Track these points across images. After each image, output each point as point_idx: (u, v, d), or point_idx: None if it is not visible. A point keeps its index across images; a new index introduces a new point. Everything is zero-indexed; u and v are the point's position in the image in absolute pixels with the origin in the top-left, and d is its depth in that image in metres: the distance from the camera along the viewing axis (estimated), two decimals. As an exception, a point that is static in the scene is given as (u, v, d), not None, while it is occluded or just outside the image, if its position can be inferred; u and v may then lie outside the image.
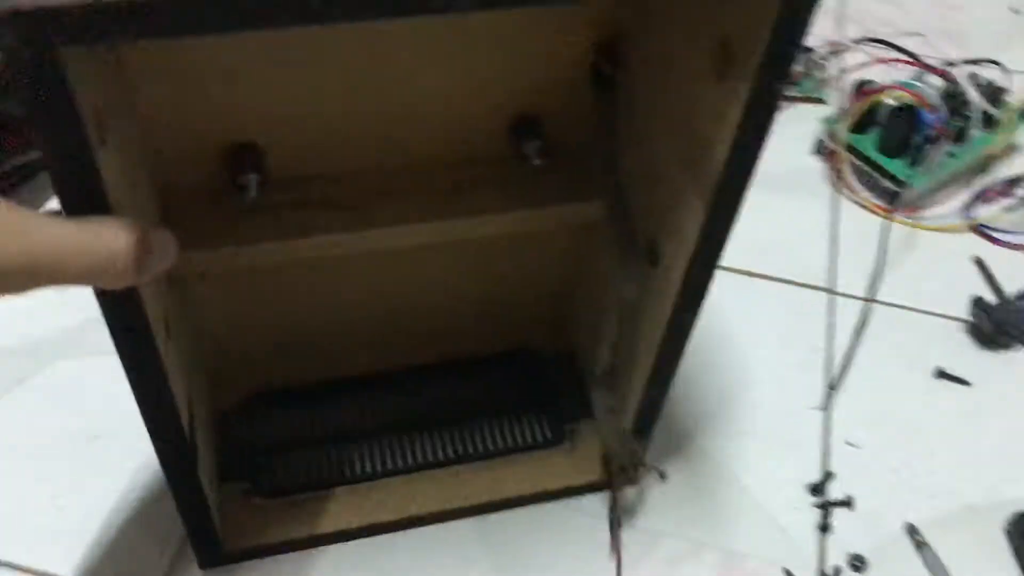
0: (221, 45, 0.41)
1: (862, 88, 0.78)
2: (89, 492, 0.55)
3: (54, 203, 0.37)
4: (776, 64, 0.35)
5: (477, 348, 0.61)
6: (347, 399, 0.58)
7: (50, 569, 0.52)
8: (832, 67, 0.86)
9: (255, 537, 0.52)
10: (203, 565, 0.52)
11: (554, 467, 0.57)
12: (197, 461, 0.45)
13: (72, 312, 0.63)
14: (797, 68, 0.87)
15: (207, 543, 0.50)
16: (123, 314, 0.35)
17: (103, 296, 0.34)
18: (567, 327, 0.62)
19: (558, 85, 0.47)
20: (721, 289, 0.70)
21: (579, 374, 0.61)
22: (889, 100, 0.76)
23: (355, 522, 0.53)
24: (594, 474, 0.57)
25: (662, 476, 0.57)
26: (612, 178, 0.47)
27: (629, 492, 0.58)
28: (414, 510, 0.54)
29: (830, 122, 0.79)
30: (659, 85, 0.43)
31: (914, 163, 0.75)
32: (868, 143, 0.77)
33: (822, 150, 0.80)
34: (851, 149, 0.77)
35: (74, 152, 0.29)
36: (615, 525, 0.54)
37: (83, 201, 0.31)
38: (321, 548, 0.54)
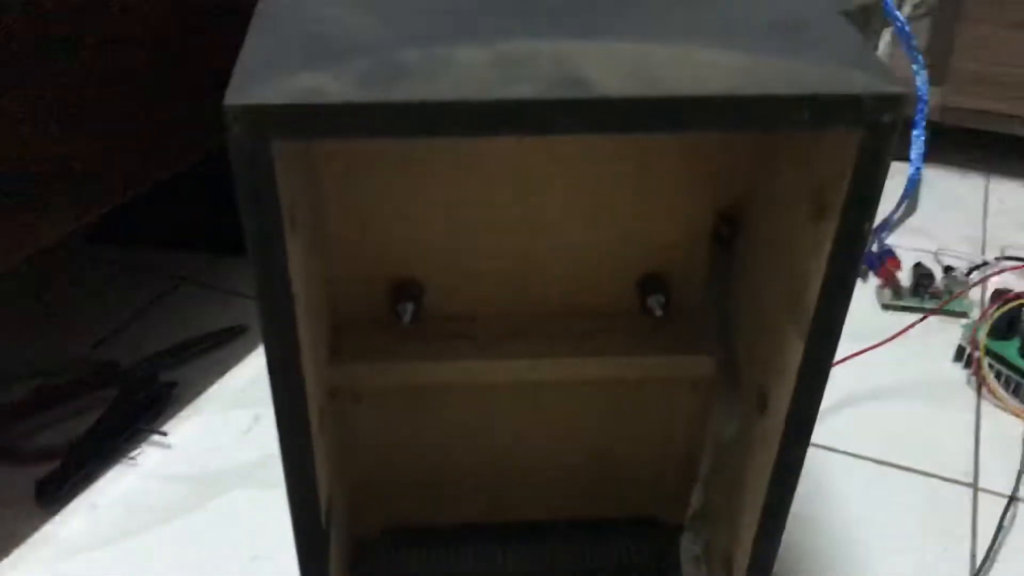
0: (402, 184, 0.50)
1: (1000, 296, 0.80)
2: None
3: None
4: (860, 204, 0.40)
5: (602, 511, 0.63)
6: (470, 545, 0.61)
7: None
8: (973, 281, 0.89)
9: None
10: None
11: None
12: (328, 551, 0.49)
13: (253, 448, 0.72)
14: (938, 285, 0.90)
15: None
16: (287, 393, 0.43)
17: (283, 384, 0.42)
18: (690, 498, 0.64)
19: (682, 245, 0.54)
20: (856, 474, 0.72)
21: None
22: (1029, 307, 0.78)
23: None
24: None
25: None
26: (724, 329, 0.52)
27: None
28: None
29: (969, 328, 0.81)
30: (768, 239, 0.49)
31: (1059, 368, 0.75)
32: (1011, 349, 0.78)
33: (964, 357, 0.82)
34: (994, 355, 0.78)
35: (269, 233, 0.38)
36: None
37: (272, 282, 0.39)
38: None
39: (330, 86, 0.34)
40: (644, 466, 0.62)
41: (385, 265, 0.52)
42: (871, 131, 0.36)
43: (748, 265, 0.52)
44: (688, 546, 0.49)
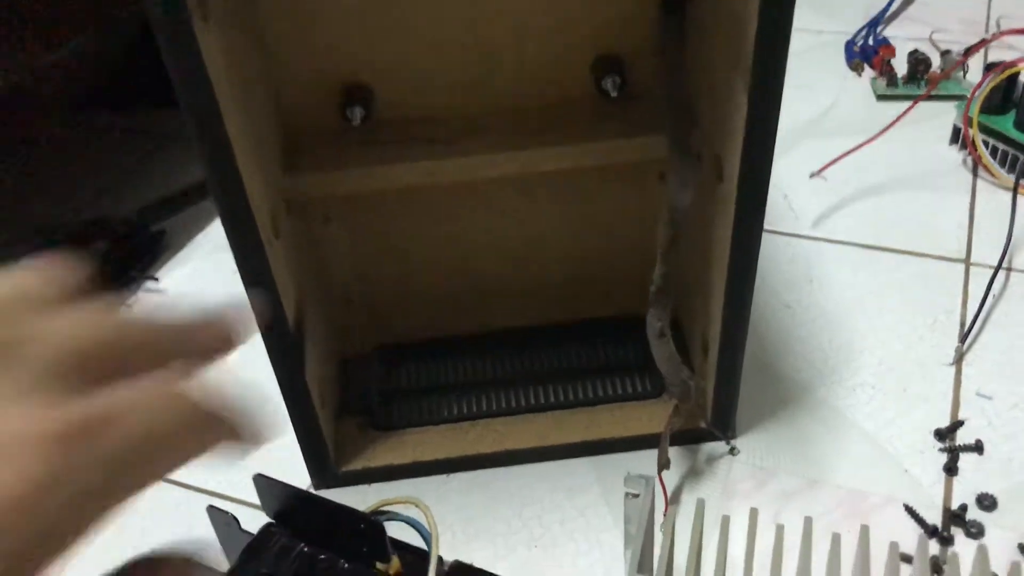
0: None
1: (993, 67, 0.77)
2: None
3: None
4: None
5: (586, 313, 0.64)
6: (456, 354, 0.62)
7: (191, 481, 0.58)
8: (968, 61, 0.86)
9: (364, 461, 0.56)
10: (316, 486, 0.56)
11: (652, 415, 0.58)
12: (303, 367, 0.50)
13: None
14: (935, 70, 0.87)
15: (318, 462, 0.55)
16: (230, 199, 0.43)
17: (218, 185, 0.42)
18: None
19: (633, 21, 0.51)
20: (849, 261, 0.71)
21: (679, 335, 0.62)
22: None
23: (456, 452, 0.56)
24: (693, 423, 0.58)
25: (733, 452, 0.57)
26: (678, 99, 0.50)
27: (746, 437, 0.58)
28: (511, 445, 0.57)
29: (963, 105, 0.78)
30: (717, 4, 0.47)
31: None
32: (1006, 122, 0.75)
33: (959, 138, 0.79)
34: (988, 131, 0.76)
35: (175, 19, 0.36)
36: (662, 455, 0.53)
37: (190, 80, 0.38)
38: (428, 478, 0.56)
39: None
40: (622, 263, 0.62)
41: (332, 67, 0.51)
42: None
43: (697, 28, 0.50)
44: (652, 322, 0.49)
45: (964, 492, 0.54)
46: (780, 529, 0.41)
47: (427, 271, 0.62)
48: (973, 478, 0.54)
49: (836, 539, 0.40)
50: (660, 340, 0.49)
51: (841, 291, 0.68)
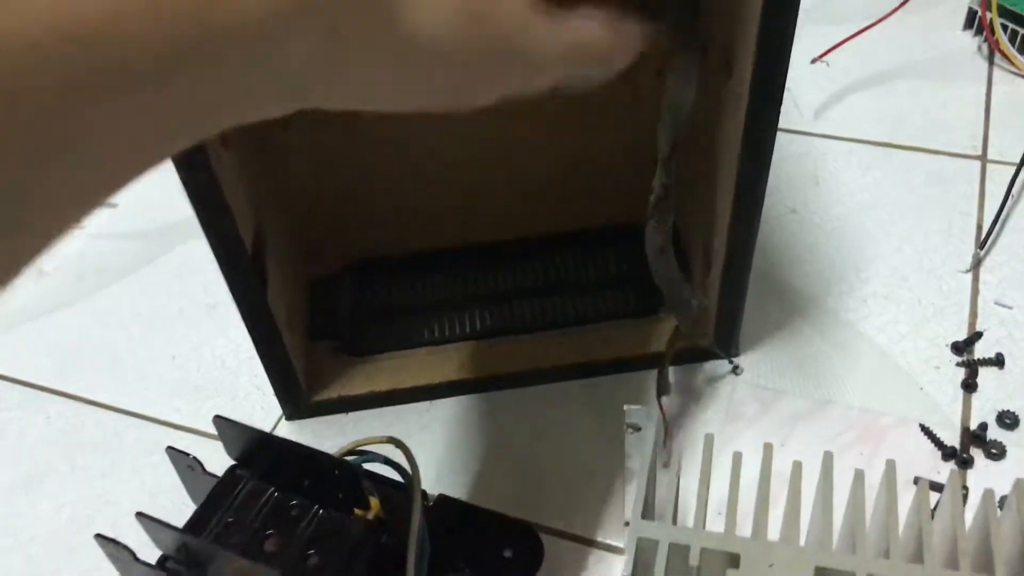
0: None
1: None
2: (205, 352, 0.58)
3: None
4: None
5: (577, 224, 0.59)
6: (437, 271, 0.57)
7: (171, 419, 0.54)
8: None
9: (339, 389, 0.52)
10: (288, 416, 0.52)
11: (648, 334, 0.54)
12: (266, 290, 0.45)
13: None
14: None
15: (289, 390, 0.51)
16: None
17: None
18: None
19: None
20: (857, 160, 0.66)
21: (679, 246, 0.57)
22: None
23: (437, 378, 0.52)
24: (694, 342, 0.53)
25: (736, 371, 0.53)
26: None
27: (749, 355, 0.54)
28: (497, 369, 0.53)
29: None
30: None
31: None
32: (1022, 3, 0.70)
33: (975, 22, 0.74)
34: (1008, 14, 0.70)
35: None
36: (662, 380, 0.49)
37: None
38: (408, 405, 0.53)
39: None
40: (614, 167, 0.56)
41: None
42: None
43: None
44: (652, 236, 0.44)
45: (984, 410, 0.50)
46: (797, 467, 0.37)
47: (398, 179, 0.56)
48: (993, 395, 0.51)
49: (859, 476, 0.36)
50: (661, 256, 0.44)
51: (850, 193, 0.63)
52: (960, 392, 0.51)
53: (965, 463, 0.48)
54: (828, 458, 0.37)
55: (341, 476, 0.39)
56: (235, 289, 0.44)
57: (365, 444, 0.40)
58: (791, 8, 0.37)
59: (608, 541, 0.46)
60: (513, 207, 0.57)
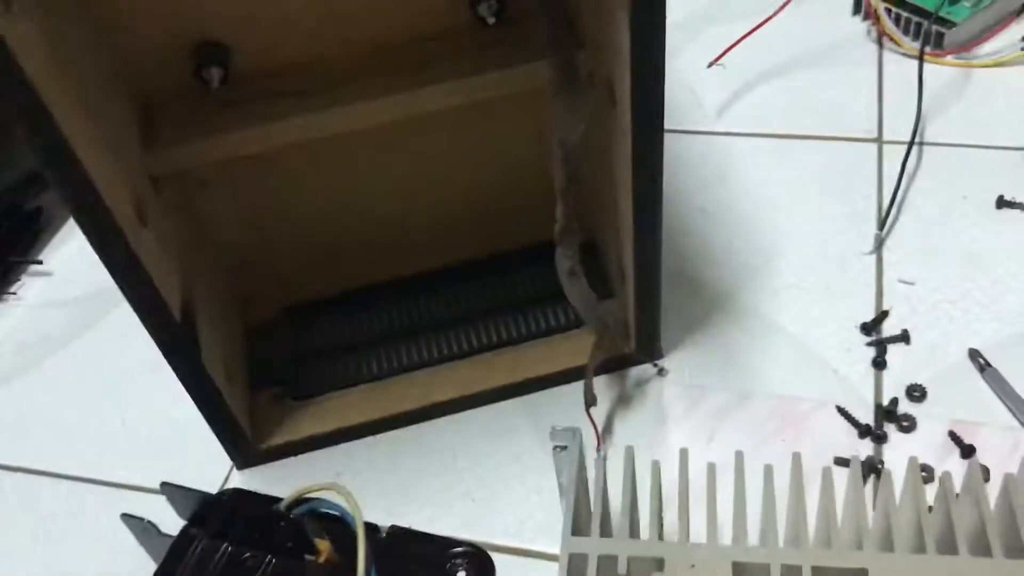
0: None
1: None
2: (155, 410, 0.59)
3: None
4: None
5: (496, 245, 0.61)
6: (370, 307, 0.59)
7: (127, 481, 0.56)
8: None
9: (285, 435, 0.54)
10: (239, 466, 0.54)
11: (577, 346, 0.55)
12: (199, 352, 0.47)
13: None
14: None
15: (236, 443, 0.52)
16: (79, 202, 0.38)
17: (61, 186, 0.38)
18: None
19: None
20: (760, 154, 0.69)
21: (599, 261, 0.59)
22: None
23: (380, 413, 0.54)
24: (618, 350, 0.56)
25: (661, 373, 0.56)
26: (560, 27, 0.46)
27: (673, 355, 0.57)
28: (437, 397, 0.55)
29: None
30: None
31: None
32: (907, -12, 0.73)
33: (861, 7, 0.77)
34: (891, -1, 0.74)
35: None
36: (588, 393, 0.51)
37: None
38: (355, 442, 0.55)
39: None
40: (530, 190, 0.58)
41: (179, 27, 0.46)
42: None
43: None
44: (561, 261, 0.46)
45: (894, 385, 0.53)
46: (712, 468, 0.39)
47: (325, 222, 0.58)
48: (902, 370, 0.54)
49: (769, 471, 0.39)
50: (571, 278, 0.47)
51: (755, 187, 0.66)
52: (871, 371, 0.54)
53: (880, 439, 0.51)
54: (739, 457, 0.40)
55: (288, 526, 0.41)
56: (168, 355, 0.46)
57: (308, 492, 0.42)
58: (657, 40, 0.40)
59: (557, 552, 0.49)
60: (437, 238, 0.60)
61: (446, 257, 0.61)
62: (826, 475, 0.39)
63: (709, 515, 0.38)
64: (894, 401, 0.52)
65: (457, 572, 0.45)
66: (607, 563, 0.37)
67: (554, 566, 0.48)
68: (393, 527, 0.47)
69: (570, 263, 0.46)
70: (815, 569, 0.35)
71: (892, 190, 0.63)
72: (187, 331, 0.46)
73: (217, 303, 0.54)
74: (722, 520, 0.37)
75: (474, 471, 0.53)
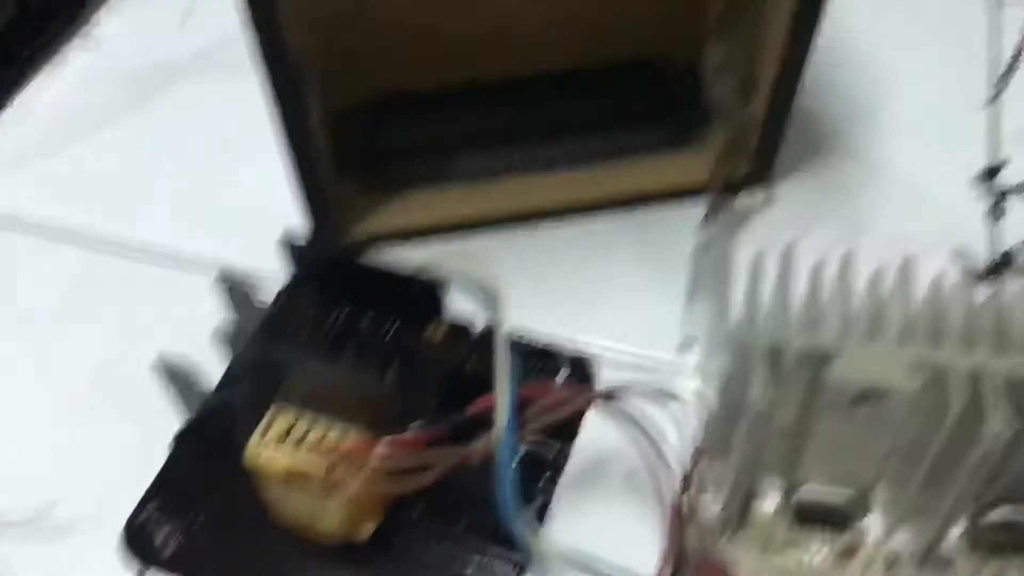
0: None
1: None
2: (222, 193, 0.55)
3: None
4: None
5: (605, 57, 0.56)
6: (467, 105, 0.55)
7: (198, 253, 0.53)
8: None
9: (370, 227, 0.51)
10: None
11: (683, 165, 0.53)
12: (308, 107, 0.43)
13: (195, 37, 0.63)
14: None
15: (324, 227, 0.49)
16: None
17: None
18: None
19: None
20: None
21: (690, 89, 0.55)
22: None
23: (470, 213, 0.51)
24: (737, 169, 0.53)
25: (767, 201, 0.53)
26: None
27: (782, 185, 0.54)
28: (535, 203, 0.52)
29: None
30: None
31: None
32: None
33: None
34: None
35: None
36: (712, 207, 0.49)
37: None
38: (442, 243, 0.52)
39: None
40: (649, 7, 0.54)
41: None
42: None
43: None
44: (713, 53, 0.42)
45: (1013, 237, 0.51)
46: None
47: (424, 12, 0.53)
48: (1019, 222, 0.52)
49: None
50: (721, 74, 0.44)
51: (871, 19, 0.62)
52: (988, 220, 0.52)
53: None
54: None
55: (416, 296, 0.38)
56: (279, 106, 0.42)
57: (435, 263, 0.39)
58: None
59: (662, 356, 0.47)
60: (546, 35, 0.55)
61: (552, 61, 0.56)
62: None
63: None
64: (1010, 252, 0.50)
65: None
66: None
67: (643, 374, 0.46)
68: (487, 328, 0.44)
69: (723, 57, 0.43)
70: None
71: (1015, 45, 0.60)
72: (303, 89, 0.42)
73: (311, 73, 0.49)
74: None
75: (570, 279, 0.50)
